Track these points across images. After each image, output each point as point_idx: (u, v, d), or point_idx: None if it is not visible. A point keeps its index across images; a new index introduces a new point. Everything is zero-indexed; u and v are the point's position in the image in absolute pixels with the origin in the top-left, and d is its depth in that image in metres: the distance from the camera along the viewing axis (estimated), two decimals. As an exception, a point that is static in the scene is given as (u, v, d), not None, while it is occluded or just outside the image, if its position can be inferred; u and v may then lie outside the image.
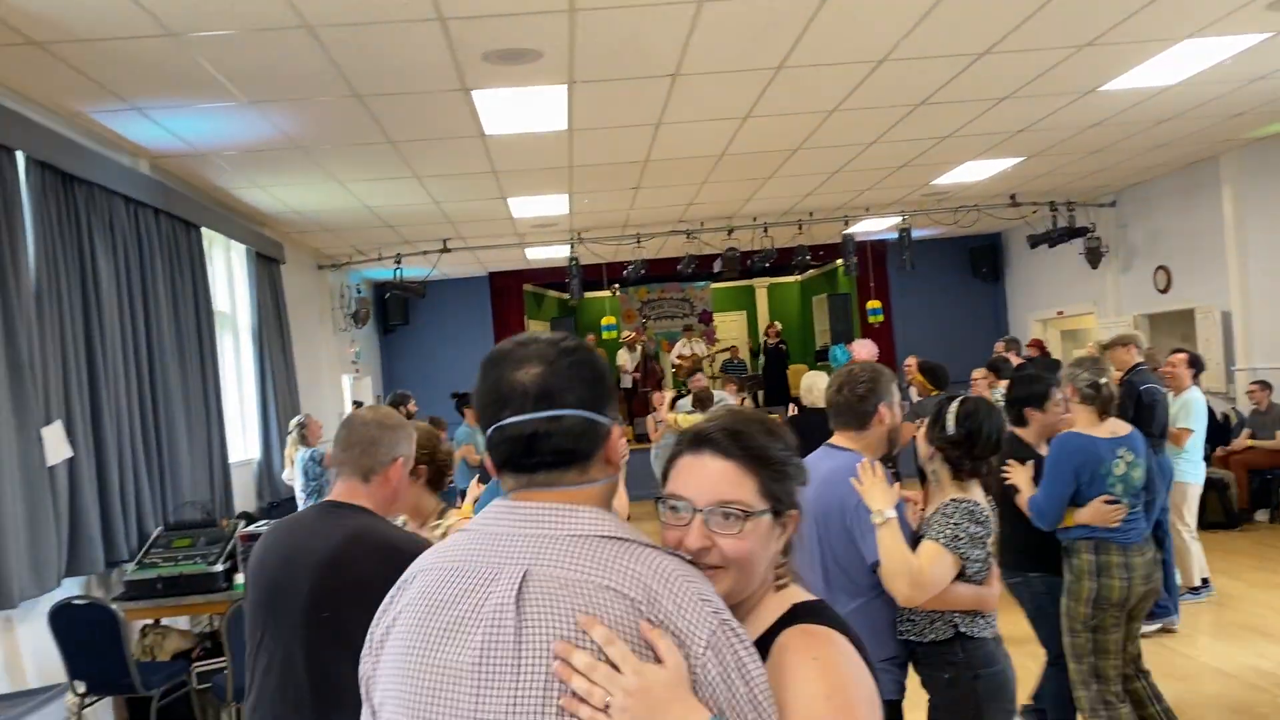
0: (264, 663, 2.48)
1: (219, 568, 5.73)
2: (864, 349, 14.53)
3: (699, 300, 18.94)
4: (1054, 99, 7.38)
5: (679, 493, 1.54)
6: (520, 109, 6.48)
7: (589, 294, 19.06)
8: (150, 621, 5.80)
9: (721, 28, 5.26)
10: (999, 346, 9.78)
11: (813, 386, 7.54)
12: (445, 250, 11.62)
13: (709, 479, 1.54)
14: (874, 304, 13.35)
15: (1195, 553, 7.30)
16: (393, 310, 14.58)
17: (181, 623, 6.21)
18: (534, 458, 1.39)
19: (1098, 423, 4.37)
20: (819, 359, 18.78)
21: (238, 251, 8.95)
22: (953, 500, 3.03)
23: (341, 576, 2.35)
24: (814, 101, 6.92)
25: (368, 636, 1.47)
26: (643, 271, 11.83)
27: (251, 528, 6.01)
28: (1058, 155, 9.65)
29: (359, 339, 13.59)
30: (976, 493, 3.10)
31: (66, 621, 4.97)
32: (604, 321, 13.14)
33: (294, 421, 8.01)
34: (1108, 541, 4.23)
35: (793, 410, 11.49)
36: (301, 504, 7.57)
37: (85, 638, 4.98)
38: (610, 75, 5.90)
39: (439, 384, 14.55)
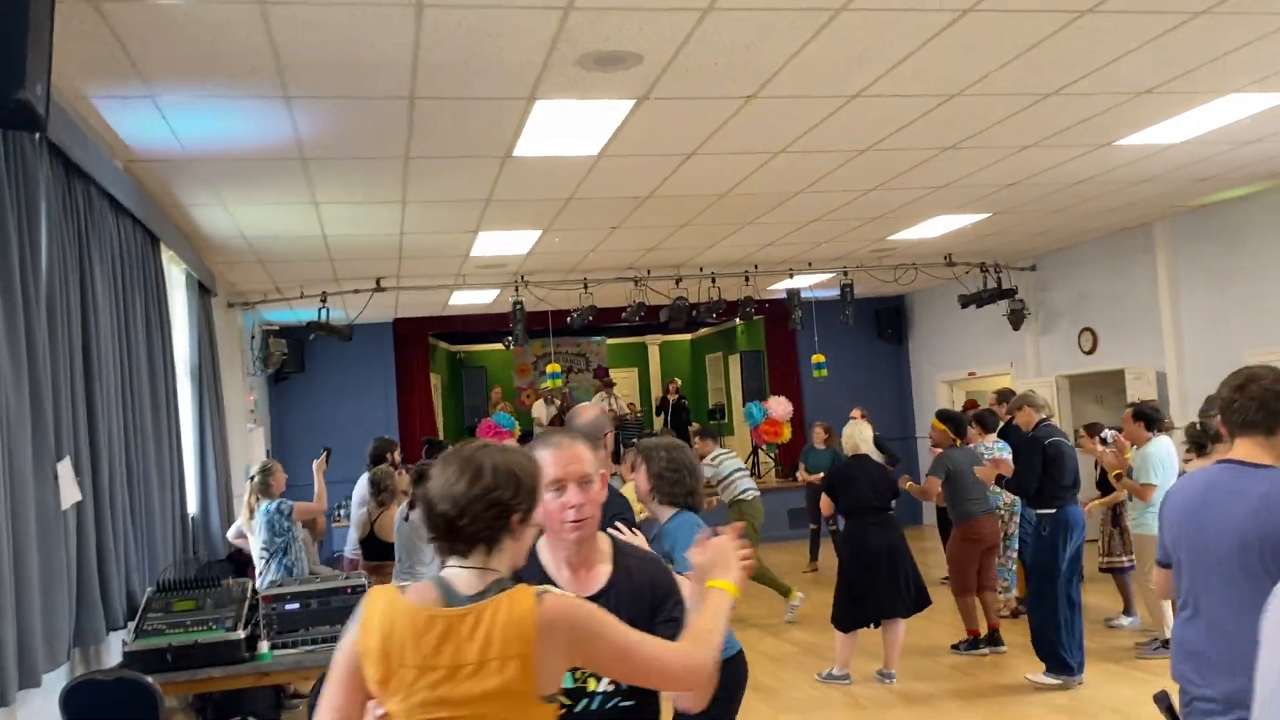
0: None
1: (239, 634, 4.87)
2: (779, 406, 14.49)
3: (594, 355, 18.52)
4: (1067, 150, 7.42)
5: None
6: (567, 126, 5.98)
7: (485, 346, 18.43)
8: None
9: (834, 43, 4.94)
10: (990, 400, 9.76)
11: (854, 435, 7.27)
12: (378, 289, 10.81)
13: None
14: (818, 358, 13.23)
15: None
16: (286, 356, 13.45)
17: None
18: None
19: None
20: (711, 416, 18.66)
21: (177, 279, 7.96)
22: None
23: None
24: (847, 140, 6.70)
25: None
26: (590, 319, 11.32)
27: (274, 589, 5.15)
28: (1021, 214, 9.80)
29: (255, 387, 12.47)
30: None
31: (88, 702, 4.03)
32: (550, 369, 12.51)
33: (256, 468, 7.03)
34: None
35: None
36: (261, 564, 6.61)
37: (112, 724, 4.06)
38: (690, 92, 5.49)
39: (334, 439, 13.42)
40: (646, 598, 2.41)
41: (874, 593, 7.02)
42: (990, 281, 12.41)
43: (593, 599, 2.26)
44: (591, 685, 2.34)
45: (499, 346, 18.37)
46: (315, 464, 7.06)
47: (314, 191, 7.04)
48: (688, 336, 19.97)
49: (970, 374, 14.63)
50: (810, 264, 11.72)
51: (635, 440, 15.09)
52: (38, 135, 4.23)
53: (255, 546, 6.76)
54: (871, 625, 7.17)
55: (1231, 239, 10.05)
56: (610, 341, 18.79)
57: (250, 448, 11.53)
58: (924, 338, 15.73)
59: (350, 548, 7.67)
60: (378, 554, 6.94)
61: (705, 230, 9.45)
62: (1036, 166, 7.82)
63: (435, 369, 16.94)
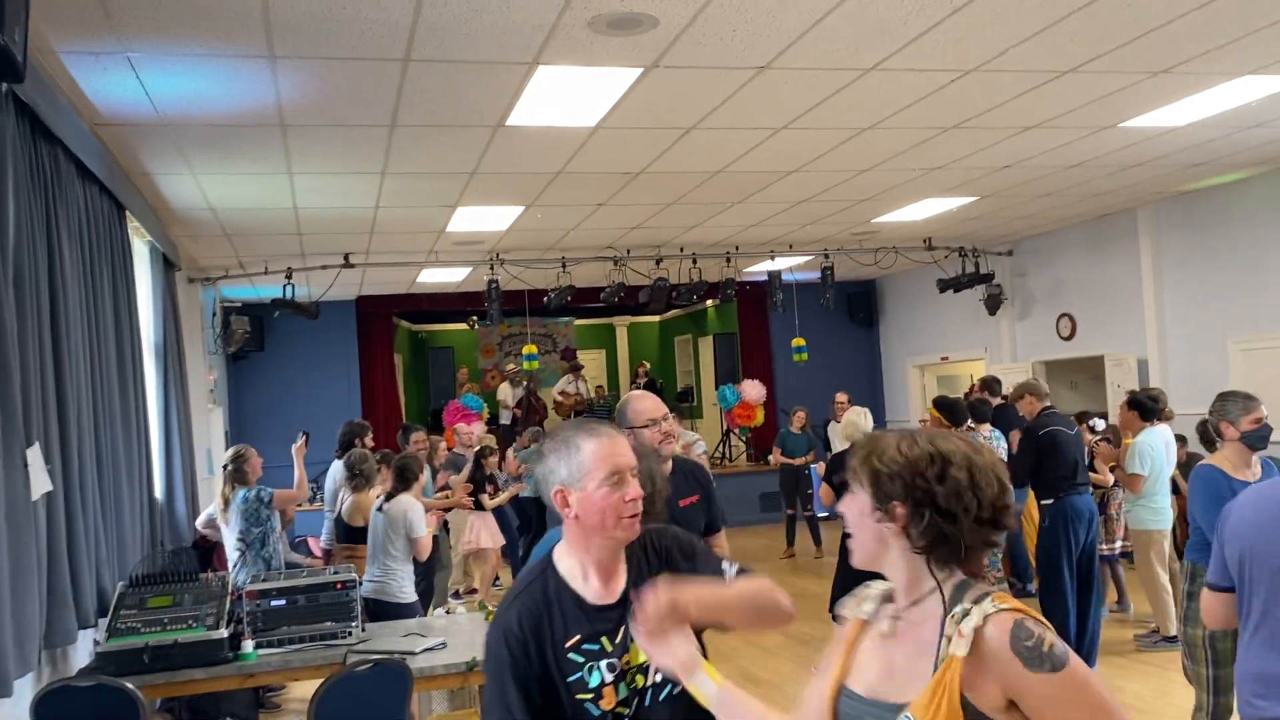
0: None
1: (223, 633, 4.54)
2: (753, 389, 14.30)
3: (562, 336, 18.19)
4: (1070, 132, 7.25)
5: None
6: (568, 95, 5.68)
7: (448, 326, 18.04)
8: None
9: (860, 10, 4.68)
10: (974, 388, 9.61)
11: (856, 422, 7.03)
12: (347, 265, 10.42)
13: None
14: (799, 341, 13.03)
15: (1168, 602, 7.18)
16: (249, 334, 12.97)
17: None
18: None
19: None
20: (680, 400, 18.43)
21: (141, 252, 7.53)
22: None
23: None
24: (852, 117, 6.46)
25: None
26: (568, 299, 11.00)
27: (258, 584, 4.82)
28: (1008, 198, 9.65)
29: (214, 366, 12.00)
30: None
31: (62, 712, 3.69)
32: (525, 350, 12.17)
33: (228, 454, 6.61)
34: None
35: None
36: (236, 555, 6.24)
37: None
38: (702, 61, 5.20)
39: (295, 420, 13.02)
40: (680, 564, 2.22)
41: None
42: (969, 266, 12.29)
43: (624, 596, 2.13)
44: (640, 681, 2.12)
45: (463, 327, 18.07)
46: (295, 447, 6.70)
47: (290, 161, 6.66)
48: (656, 319, 19.69)
49: (943, 359, 14.54)
50: (791, 246, 11.50)
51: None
52: (4, 88, 3.85)
53: (230, 538, 6.36)
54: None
55: (1216, 225, 9.98)
56: (578, 323, 18.46)
57: (210, 429, 11.10)
58: (896, 322, 15.61)
59: (326, 537, 7.28)
60: (350, 536, 6.59)
61: (691, 210, 9.18)
62: (1036, 149, 7.65)
63: (397, 349, 16.53)
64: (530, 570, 2.24)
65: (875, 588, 1.86)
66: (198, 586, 4.82)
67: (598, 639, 2.11)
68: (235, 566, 6.09)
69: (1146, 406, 7.03)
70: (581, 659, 2.09)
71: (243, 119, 5.71)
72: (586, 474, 2.09)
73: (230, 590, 4.81)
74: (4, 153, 3.80)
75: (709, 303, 17.28)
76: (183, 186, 7.14)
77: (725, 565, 2.26)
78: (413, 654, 4.49)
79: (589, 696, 2.07)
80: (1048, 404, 7.04)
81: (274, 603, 4.73)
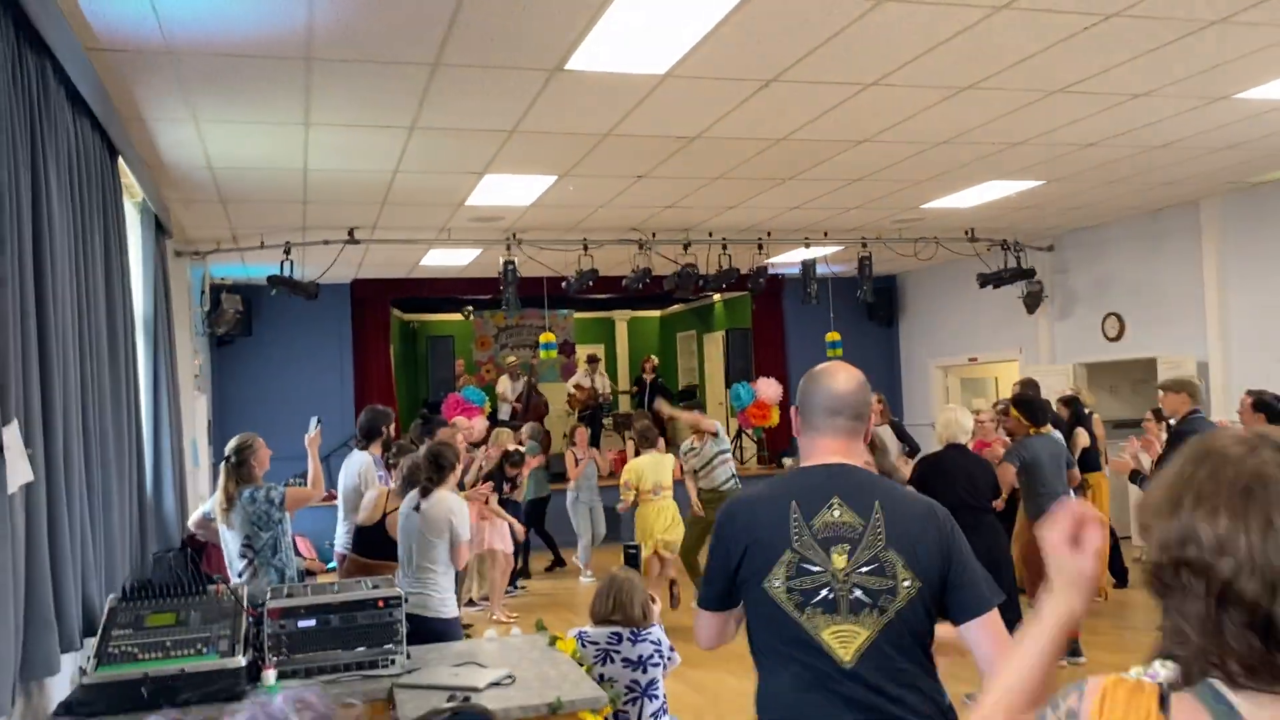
0: None
1: (239, 660, 3.69)
2: (769, 388, 13.50)
3: (560, 330, 17.32)
4: (1179, 102, 6.52)
5: None
6: (642, 33, 4.88)
7: (442, 316, 17.16)
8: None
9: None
10: (1014, 390, 8.79)
11: (952, 422, 6.26)
12: (351, 241, 9.53)
13: None
14: (833, 336, 12.25)
15: None
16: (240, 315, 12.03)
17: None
18: None
19: None
20: (682, 398, 17.65)
21: (131, 213, 6.62)
22: None
23: None
24: (953, 73, 5.69)
25: None
26: (591, 284, 10.16)
27: (281, 600, 3.96)
28: (1075, 183, 8.93)
29: (200, 350, 11.08)
30: None
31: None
32: (542, 339, 11.31)
33: (232, 444, 5.65)
34: None
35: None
36: (242, 564, 5.35)
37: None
38: (817, -13, 4.42)
39: (283, 409, 12.12)
40: None
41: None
42: (1010, 261, 11.57)
43: None
44: None
45: (457, 317, 17.19)
46: (308, 438, 5.81)
47: (310, 107, 5.79)
48: (657, 313, 18.89)
49: (971, 360, 13.81)
50: (826, 234, 10.73)
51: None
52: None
53: (232, 543, 5.46)
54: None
55: (1289, 220, 9.33)
56: (578, 316, 17.63)
57: (195, 418, 10.18)
58: (917, 320, 14.88)
59: (343, 542, 6.36)
60: (376, 549, 5.68)
61: (733, 187, 8.39)
62: (1135, 121, 6.91)
63: (390, 338, 15.64)
64: None
65: None
66: (206, 601, 3.96)
67: None
68: (241, 577, 5.21)
69: (1274, 408, 6.30)
70: None
71: (264, 47, 4.85)
72: None
73: (247, 607, 3.95)
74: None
75: (716, 297, 16.53)
76: (182, 137, 6.26)
77: None
78: (477, 690, 3.65)
79: None
80: (1197, 406, 6.33)
81: (302, 623, 3.88)
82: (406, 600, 4.23)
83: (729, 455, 9.08)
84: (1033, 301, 11.96)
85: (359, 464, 6.30)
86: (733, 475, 8.91)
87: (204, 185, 7.46)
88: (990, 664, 2.23)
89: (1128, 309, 11.17)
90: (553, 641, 4.27)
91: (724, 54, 5.22)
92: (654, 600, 4.40)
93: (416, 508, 5.33)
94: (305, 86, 5.42)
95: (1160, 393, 7.07)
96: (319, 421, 5.86)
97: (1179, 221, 10.39)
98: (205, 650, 3.70)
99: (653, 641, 4.23)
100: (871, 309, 14.88)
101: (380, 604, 3.95)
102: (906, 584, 2.30)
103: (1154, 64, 5.71)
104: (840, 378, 2.53)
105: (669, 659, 4.26)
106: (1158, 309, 10.77)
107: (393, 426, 6.49)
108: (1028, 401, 7.03)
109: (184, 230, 9.15)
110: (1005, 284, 11.59)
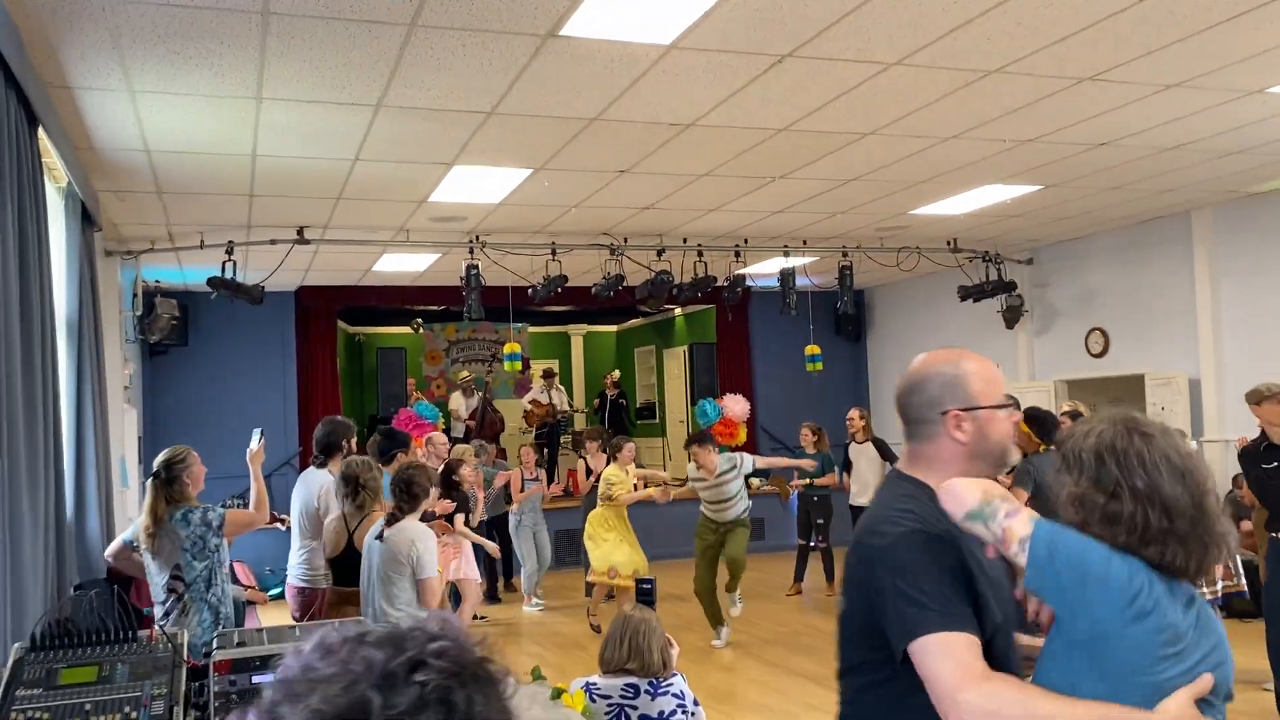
0: None
1: (180, 729, 2.97)
2: (736, 405, 12.92)
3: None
4: (1211, 95, 6.08)
5: None
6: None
7: (388, 329, 16.37)
8: None
9: None
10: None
11: None
12: (300, 241, 8.77)
13: None
14: (813, 349, 11.70)
15: None
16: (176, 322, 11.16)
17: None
18: None
19: None
20: (640, 416, 17.07)
21: (54, 198, 5.85)
22: None
23: None
24: (983, 54, 5.18)
25: None
26: (559, 290, 9.50)
27: (229, 651, 3.25)
28: (1073, 189, 8.51)
29: (131, 359, 10.21)
30: None
31: None
32: (507, 350, 10.59)
33: (162, 458, 4.83)
34: None
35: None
36: (170, 601, 4.57)
37: None
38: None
39: (221, 425, 11.30)
40: None
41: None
42: (992, 273, 11.15)
43: None
44: None
45: (405, 330, 16.42)
46: (250, 452, 5.06)
47: (264, 77, 5.09)
48: (614, 328, 18.26)
49: (944, 376, 13.35)
50: (805, 242, 10.21)
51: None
52: None
53: (158, 575, 4.66)
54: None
55: (1284, 232, 9.00)
56: (532, 330, 16.94)
57: (124, 434, 9.32)
58: (887, 335, 14.44)
59: (298, 573, 5.56)
60: (345, 579, 4.94)
61: (720, 186, 7.81)
62: (1156, 117, 6.46)
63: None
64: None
65: None
66: (137, 651, 3.22)
67: None
68: (168, 617, 4.44)
69: None
70: None
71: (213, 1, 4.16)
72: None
73: (187, 658, 3.23)
74: None
75: (677, 311, 15.97)
76: (115, 111, 5.51)
77: None
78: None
79: None
80: None
81: (258, 678, 3.16)
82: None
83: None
84: (1012, 316, 11.56)
85: (318, 484, 5.54)
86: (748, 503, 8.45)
87: (138, 172, 6.69)
88: None
89: (1112, 324, 10.80)
90: (557, 695, 3.60)
91: (739, 21, 4.63)
92: (672, 644, 3.76)
93: (379, 536, 4.64)
94: (260, 48, 4.72)
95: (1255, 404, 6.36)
96: (261, 434, 5.10)
97: (1169, 233, 10.04)
98: (134, 715, 2.97)
99: (675, 694, 3.59)
100: (840, 324, 14.43)
101: (353, 654, 3.24)
102: None
103: (1192, 50, 5.25)
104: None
105: (693, 715, 3.62)
106: (1145, 323, 10.40)
107: (354, 441, 5.73)
108: (1039, 417, 6.52)
109: (116, 227, 8.33)
110: (987, 297, 11.17)
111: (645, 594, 4.18)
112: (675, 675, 3.65)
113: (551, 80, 5.30)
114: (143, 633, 3.31)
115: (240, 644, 3.29)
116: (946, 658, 1.78)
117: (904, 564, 1.89)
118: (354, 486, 4.90)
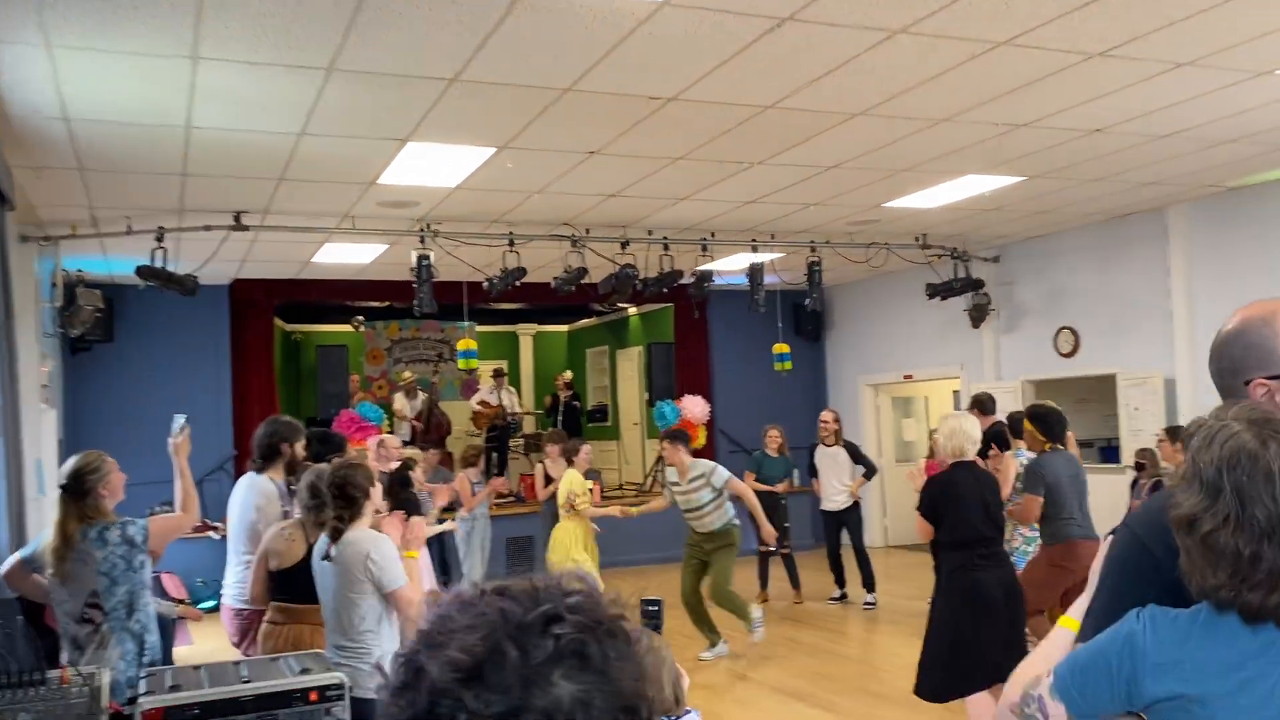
0: None
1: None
2: (695, 406, 12.49)
3: (461, 344, 16.00)
4: (1221, 75, 5.77)
5: None
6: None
7: (327, 326, 15.67)
8: None
9: None
10: (972, 409, 7.94)
11: (959, 431, 5.21)
12: (237, 227, 8.12)
13: None
14: (781, 348, 11.28)
15: None
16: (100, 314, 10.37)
17: None
18: None
19: None
20: (592, 418, 16.55)
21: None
22: None
23: None
24: (994, 22, 4.79)
25: None
26: (516, 284, 8.96)
27: (161, 696, 2.68)
28: (1056, 181, 8.20)
29: (50, 355, 9.45)
30: None
31: None
32: (461, 346, 10.00)
33: (69, 466, 4.12)
34: None
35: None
36: (82, 632, 3.91)
37: None
38: None
39: (148, 427, 10.45)
40: None
41: (987, 650, 5.07)
42: (960, 271, 10.85)
43: None
44: None
45: (345, 328, 15.73)
46: (172, 442, 4.41)
47: (201, 32, 4.50)
48: (565, 328, 17.72)
49: (906, 377, 13.07)
50: (773, 235, 9.79)
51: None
52: None
53: (69, 602, 3.97)
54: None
55: (1262, 228, 8.78)
56: (481, 329, 16.32)
57: (42, 436, 8.57)
58: (846, 336, 14.10)
59: (235, 593, 4.91)
60: (304, 590, 4.27)
61: (693, 171, 7.35)
62: (1158, 100, 6.14)
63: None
64: None
65: None
66: (47, 696, 2.65)
67: None
68: (81, 651, 3.78)
69: None
70: None
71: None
72: None
73: (110, 702, 2.65)
74: None
75: (632, 310, 15.51)
76: (28, 71, 4.87)
77: None
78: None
79: None
80: None
81: (195, 730, 2.60)
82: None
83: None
84: (978, 314, 11.27)
85: (256, 491, 4.92)
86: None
87: (57, 144, 6.02)
88: None
89: (1082, 322, 10.55)
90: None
91: (741, -25, 4.17)
92: (683, 676, 3.26)
93: (327, 556, 4.04)
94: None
95: None
96: (185, 421, 4.46)
97: (1143, 229, 9.80)
98: (42, 779, 2.40)
99: (691, 734, 3.09)
100: (800, 323, 14.06)
101: (314, 696, 2.70)
102: None
103: (1206, 26, 4.92)
104: None
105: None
106: (1117, 322, 10.16)
107: (301, 445, 5.10)
108: (1045, 416, 6.16)
109: (32, 209, 7.61)
110: (956, 294, 10.86)
111: (652, 616, 3.66)
112: (690, 712, 3.15)
113: (525, 42, 4.78)
114: (52, 674, 2.73)
115: (174, 686, 2.73)
116: None
117: None
118: (313, 494, 4.21)
